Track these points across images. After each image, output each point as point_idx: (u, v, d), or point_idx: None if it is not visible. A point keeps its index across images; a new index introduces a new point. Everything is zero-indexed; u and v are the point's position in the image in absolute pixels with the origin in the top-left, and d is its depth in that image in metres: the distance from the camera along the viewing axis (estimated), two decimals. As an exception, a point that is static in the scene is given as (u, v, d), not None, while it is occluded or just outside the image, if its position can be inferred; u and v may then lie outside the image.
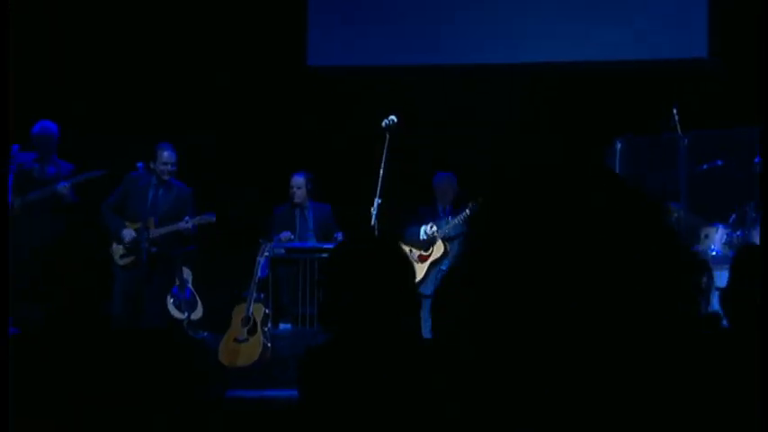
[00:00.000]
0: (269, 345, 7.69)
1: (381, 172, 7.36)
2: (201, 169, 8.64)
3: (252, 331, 7.67)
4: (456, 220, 8.35)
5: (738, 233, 6.62)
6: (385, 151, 7.43)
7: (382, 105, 7.97)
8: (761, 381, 1.36)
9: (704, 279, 1.29)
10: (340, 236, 8.37)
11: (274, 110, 9.30)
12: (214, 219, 7.92)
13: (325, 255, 7.54)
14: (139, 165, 8.24)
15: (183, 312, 8.12)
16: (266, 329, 7.75)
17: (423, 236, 8.42)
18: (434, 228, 8.38)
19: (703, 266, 1.29)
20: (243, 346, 7.63)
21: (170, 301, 8.14)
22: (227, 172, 9.12)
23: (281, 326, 8.23)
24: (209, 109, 9.03)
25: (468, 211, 8.20)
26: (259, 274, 7.79)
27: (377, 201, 7.38)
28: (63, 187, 7.82)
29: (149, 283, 8.01)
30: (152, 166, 8.06)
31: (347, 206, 8.41)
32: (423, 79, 9.03)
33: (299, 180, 8.54)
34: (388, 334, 2.35)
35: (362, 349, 2.38)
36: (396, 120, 7.61)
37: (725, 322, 2.92)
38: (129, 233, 8.11)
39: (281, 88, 9.33)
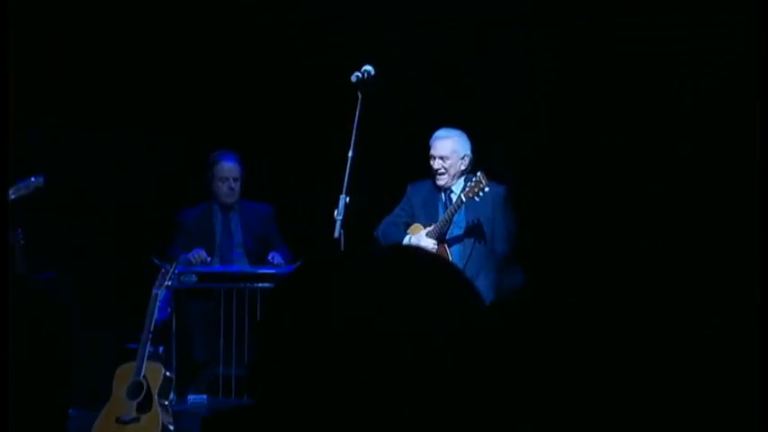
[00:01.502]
0: (171, 427, 6.01)
1: (351, 154, 5.76)
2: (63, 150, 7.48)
3: (144, 406, 5.97)
4: (450, 210, 6.20)
5: None
6: (356, 121, 5.81)
7: (349, 48, 6.66)
8: (761, 381, 1.51)
9: None
10: (278, 257, 6.71)
11: (179, 56, 7.77)
12: (42, 181, 6.16)
13: (262, 284, 6.45)
14: None
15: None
16: (167, 403, 6.09)
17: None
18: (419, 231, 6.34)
19: None
20: (131, 430, 5.97)
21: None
22: (110, 155, 7.69)
23: (192, 397, 6.68)
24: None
25: (463, 195, 6.04)
26: (156, 315, 6.19)
27: (343, 199, 5.75)
28: None
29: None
30: None
31: (295, 208, 7.17)
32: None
33: (233, 167, 6.83)
34: (344, 404, 1.75)
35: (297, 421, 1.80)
36: (372, 72, 5.90)
37: None
38: None
39: (189, 21, 7.81)
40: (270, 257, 6.64)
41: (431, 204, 6.27)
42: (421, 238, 6.09)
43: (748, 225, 5.93)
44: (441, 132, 6.23)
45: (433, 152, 6.18)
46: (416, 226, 6.21)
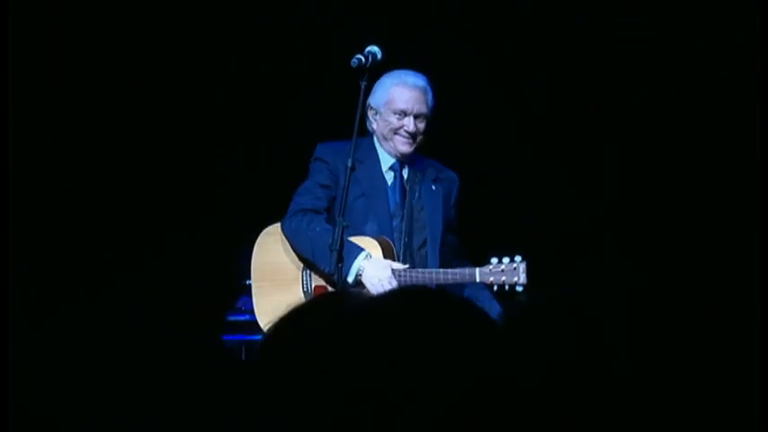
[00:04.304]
0: None
1: (349, 164, 4.73)
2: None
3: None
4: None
5: None
6: (357, 120, 4.75)
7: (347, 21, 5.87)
8: (761, 381, 1.61)
9: None
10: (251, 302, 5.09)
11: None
12: None
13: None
14: None
15: None
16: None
17: (352, 276, 4.71)
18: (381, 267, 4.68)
19: None
20: None
21: None
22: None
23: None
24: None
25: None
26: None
27: (340, 223, 4.66)
28: None
29: None
30: None
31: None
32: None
33: None
34: None
35: None
36: (379, 55, 4.80)
37: None
38: None
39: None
40: (240, 303, 5.26)
41: (372, 184, 4.84)
42: (381, 266, 4.56)
43: (748, 225, 6.25)
44: (416, 79, 4.84)
45: (402, 105, 4.77)
46: (371, 240, 4.71)
